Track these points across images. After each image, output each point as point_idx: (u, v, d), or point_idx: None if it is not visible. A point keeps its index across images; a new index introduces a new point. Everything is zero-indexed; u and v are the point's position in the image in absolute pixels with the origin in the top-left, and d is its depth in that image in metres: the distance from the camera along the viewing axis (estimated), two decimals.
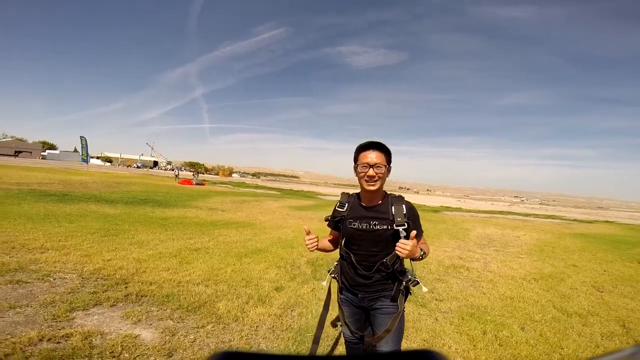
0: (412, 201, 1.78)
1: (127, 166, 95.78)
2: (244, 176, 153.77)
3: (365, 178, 1.65)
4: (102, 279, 3.74)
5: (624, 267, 7.02)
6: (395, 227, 1.62)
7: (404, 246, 1.51)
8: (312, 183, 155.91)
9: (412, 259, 1.63)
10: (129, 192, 14.80)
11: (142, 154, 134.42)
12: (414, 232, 1.54)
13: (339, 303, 1.89)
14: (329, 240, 2.00)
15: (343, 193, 1.92)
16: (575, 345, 3.06)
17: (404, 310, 1.74)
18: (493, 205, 44.91)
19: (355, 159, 1.73)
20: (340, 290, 1.88)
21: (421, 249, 1.65)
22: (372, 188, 1.65)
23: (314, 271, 4.89)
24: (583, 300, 4.48)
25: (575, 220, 25.36)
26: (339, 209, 1.82)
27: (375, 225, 1.68)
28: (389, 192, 1.80)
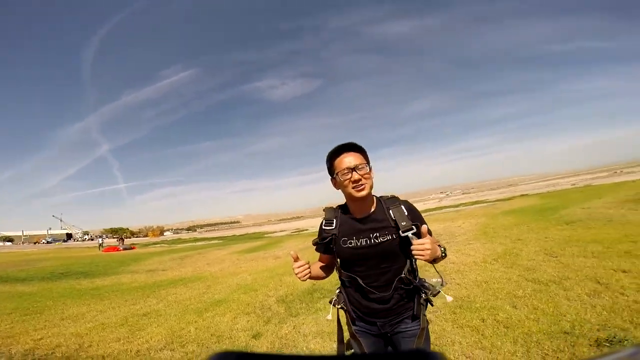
0: None
1: (35, 242, 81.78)
2: (178, 232, 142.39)
3: (352, 185, 1.39)
4: None
5: (558, 230, 7.72)
6: (402, 234, 1.36)
7: (422, 247, 1.26)
8: (255, 224, 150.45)
9: (434, 261, 1.36)
10: (43, 268, 12.52)
11: (51, 228, 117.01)
12: (425, 227, 1.31)
13: (353, 336, 1.55)
14: (320, 267, 1.66)
15: (327, 209, 1.60)
16: (572, 309, 3.15)
17: (428, 324, 1.51)
18: (425, 205, 46.88)
19: (331, 170, 1.47)
20: (352, 322, 1.56)
21: (440, 245, 1.39)
22: (362, 194, 1.38)
23: (287, 308, 4.59)
24: (547, 267, 4.74)
25: (497, 200, 28.00)
26: (326, 228, 1.52)
27: (377, 237, 1.41)
28: (378, 195, 1.54)
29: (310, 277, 1.51)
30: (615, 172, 55.63)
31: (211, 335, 3.76)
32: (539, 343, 2.64)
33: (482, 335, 2.94)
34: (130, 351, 3.29)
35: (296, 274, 1.45)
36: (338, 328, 1.64)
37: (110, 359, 3.10)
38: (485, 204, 25.41)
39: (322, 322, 3.83)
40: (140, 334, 3.87)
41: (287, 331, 3.72)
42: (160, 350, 3.31)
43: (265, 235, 29.98)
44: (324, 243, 1.50)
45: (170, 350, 3.31)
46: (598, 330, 2.69)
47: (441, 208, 30.44)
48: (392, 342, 1.53)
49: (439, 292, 1.48)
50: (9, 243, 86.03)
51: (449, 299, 1.55)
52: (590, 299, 3.36)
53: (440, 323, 3.34)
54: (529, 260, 5.31)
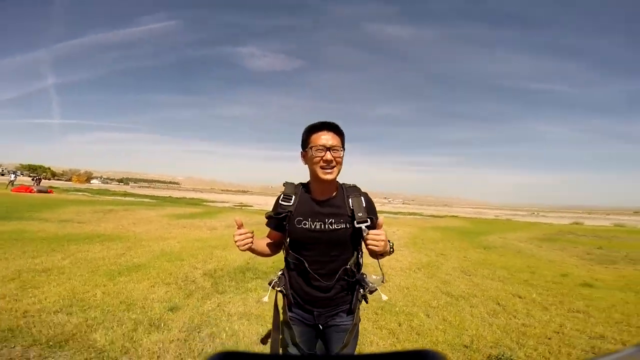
0: None
1: None
2: (107, 182, 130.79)
3: (321, 164, 1.34)
4: None
5: (476, 252, 8.66)
6: (357, 225, 1.36)
7: (377, 237, 1.27)
8: (195, 190, 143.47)
9: (381, 256, 1.38)
10: None
11: None
12: (382, 219, 1.33)
13: (286, 322, 1.51)
14: (266, 244, 1.58)
15: (287, 183, 1.52)
16: (474, 325, 3.47)
17: (359, 320, 1.52)
18: None
19: (305, 142, 1.42)
20: (289, 307, 1.52)
21: (389, 241, 1.39)
22: (329, 177, 1.34)
23: (214, 284, 4.37)
24: (460, 283, 5.27)
25: (431, 215, 30.90)
26: (283, 203, 1.44)
27: (332, 224, 1.38)
28: (341, 182, 1.50)
29: (251, 250, 1.44)
30: (533, 213, 64.43)
31: (120, 302, 3.44)
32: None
33: (396, 338, 3.12)
34: (16, 311, 2.85)
35: (236, 241, 1.35)
36: (274, 312, 1.55)
37: None
38: (420, 217, 27.73)
39: (251, 304, 3.71)
40: (33, 292, 3.39)
41: (209, 308, 3.54)
42: (54, 313, 2.92)
43: (204, 203, 28.80)
44: (278, 218, 1.44)
45: (67, 315, 2.94)
46: (491, 347, 2.99)
47: (381, 212, 32.06)
48: (324, 334, 1.51)
49: (376, 289, 1.47)
50: None
51: (384, 297, 1.54)
52: (489, 318, 3.75)
53: (363, 322, 3.44)
54: (446, 274, 5.87)
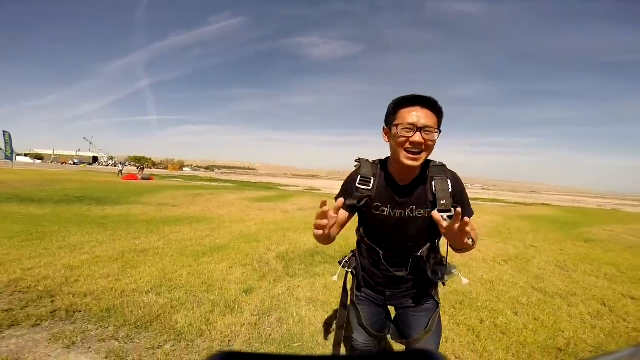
0: None
1: (62, 163, 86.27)
2: (196, 170, 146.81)
3: (407, 146, 1.12)
4: (20, 292, 2.97)
5: (575, 246, 7.41)
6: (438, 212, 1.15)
7: (468, 227, 1.01)
8: (270, 175, 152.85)
9: (461, 250, 1.17)
10: (62, 189, 12.99)
11: (80, 150, 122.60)
12: (459, 210, 1.01)
13: (353, 302, 1.42)
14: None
15: (362, 160, 1.30)
16: (572, 327, 2.99)
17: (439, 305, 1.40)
18: None
19: (390, 118, 1.18)
20: (357, 287, 1.42)
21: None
22: (414, 164, 1.13)
23: (286, 267, 4.43)
24: (556, 280, 4.53)
25: (517, 203, 27.55)
26: (361, 187, 1.26)
27: (412, 211, 1.22)
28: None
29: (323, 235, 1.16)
30: None
31: (202, 283, 3.63)
32: (531, 356, 2.46)
33: (476, 336, 2.73)
34: (116, 290, 3.18)
35: (318, 224, 1.07)
36: (343, 291, 1.50)
37: (91, 297, 2.99)
38: (503, 204, 24.87)
39: (318, 289, 3.65)
40: (131, 272, 3.79)
41: (280, 291, 3.55)
42: (146, 294, 3.19)
43: (278, 188, 30.26)
44: (357, 205, 1.27)
45: (156, 295, 3.19)
46: (591, 352, 2.52)
47: None
48: (398, 316, 1.43)
49: (453, 273, 1.34)
50: (39, 161, 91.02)
51: (465, 281, 1.43)
52: (592, 320, 3.17)
53: None
54: (539, 269, 5.09)
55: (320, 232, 1.10)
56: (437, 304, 1.38)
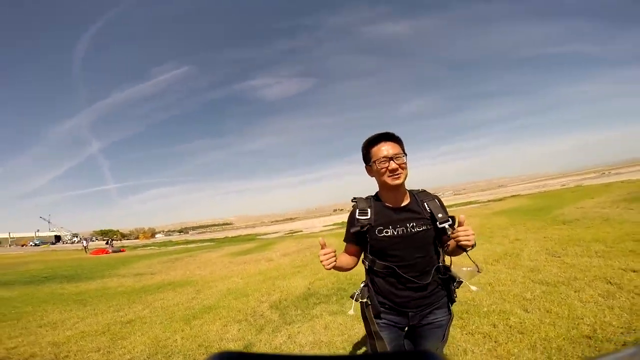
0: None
1: (22, 245, 79.70)
2: (169, 234, 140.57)
3: (388, 173, 1.42)
4: None
5: (556, 230, 7.54)
6: (440, 225, 1.43)
7: (467, 233, 1.35)
8: (247, 226, 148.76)
9: (466, 250, 1.42)
10: (27, 271, 12.12)
11: (39, 230, 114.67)
12: (463, 216, 1.39)
13: (376, 333, 1.50)
14: (348, 258, 1.63)
15: (357, 198, 1.59)
16: (589, 312, 2.95)
17: (452, 316, 1.60)
18: None
19: (367, 157, 1.51)
20: (376, 315, 1.52)
21: None
22: (398, 182, 1.42)
23: (281, 315, 4.35)
24: (551, 268, 4.53)
25: (489, 200, 28.10)
26: (361, 218, 1.49)
27: (413, 227, 1.45)
28: (408, 189, 1.57)
29: (335, 267, 1.48)
30: (604, 174, 55.56)
31: (199, 345, 3.52)
32: (561, 349, 2.44)
33: (495, 342, 2.72)
34: None
35: (322, 262, 1.42)
36: (364, 321, 1.59)
37: None
38: (477, 205, 25.67)
39: (319, 331, 3.62)
40: (122, 343, 3.62)
41: (281, 341, 3.49)
42: None
43: (258, 237, 29.61)
44: (360, 232, 1.48)
45: None
46: (622, 333, 2.51)
47: None
48: (417, 333, 1.55)
49: (462, 282, 1.52)
50: None
51: (474, 288, 1.57)
52: (606, 301, 3.17)
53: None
54: (531, 261, 5.14)
55: (331, 268, 1.42)
56: (452, 314, 1.56)
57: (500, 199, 27.35)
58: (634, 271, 3.87)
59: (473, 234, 1.36)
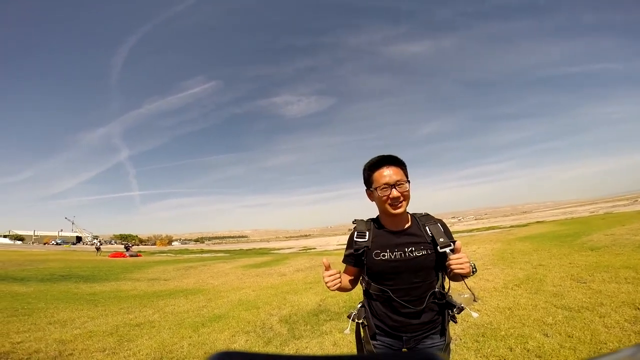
0: None
1: (45, 243, 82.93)
2: (185, 243, 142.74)
3: (389, 202, 1.36)
4: None
5: (583, 256, 7.14)
6: (440, 250, 1.35)
7: (461, 260, 1.28)
8: (262, 240, 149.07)
9: (462, 278, 1.38)
10: (45, 268, 12.43)
11: (62, 230, 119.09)
12: (459, 243, 1.33)
13: (368, 352, 1.47)
14: (348, 280, 1.58)
15: (358, 221, 1.54)
16: (613, 337, 2.81)
17: (451, 340, 1.49)
18: None
19: (368, 182, 1.44)
20: (372, 337, 1.46)
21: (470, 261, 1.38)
22: (399, 211, 1.36)
23: (290, 329, 4.19)
24: (576, 294, 4.31)
25: (512, 226, 27.05)
26: (358, 240, 1.45)
27: (412, 252, 1.38)
28: (411, 212, 1.51)
29: (339, 288, 1.45)
30: (637, 201, 52.78)
31: (205, 353, 3.40)
32: None
33: None
34: None
35: (326, 283, 1.39)
36: (357, 342, 1.56)
37: None
38: (499, 230, 24.77)
39: (328, 347, 3.44)
40: (128, 345, 3.54)
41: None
42: None
43: (272, 252, 29.51)
44: (357, 255, 1.44)
45: None
46: None
47: (454, 232, 29.70)
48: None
49: (464, 308, 1.43)
50: (19, 242, 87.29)
51: (475, 315, 1.53)
52: (632, 326, 3.01)
53: (462, 352, 2.92)
54: (554, 286, 4.86)
55: (335, 289, 1.40)
56: (447, 339, 1.46)
57: (524, 225, 26.38)
58: None
59: (467, 262, 1.30)
